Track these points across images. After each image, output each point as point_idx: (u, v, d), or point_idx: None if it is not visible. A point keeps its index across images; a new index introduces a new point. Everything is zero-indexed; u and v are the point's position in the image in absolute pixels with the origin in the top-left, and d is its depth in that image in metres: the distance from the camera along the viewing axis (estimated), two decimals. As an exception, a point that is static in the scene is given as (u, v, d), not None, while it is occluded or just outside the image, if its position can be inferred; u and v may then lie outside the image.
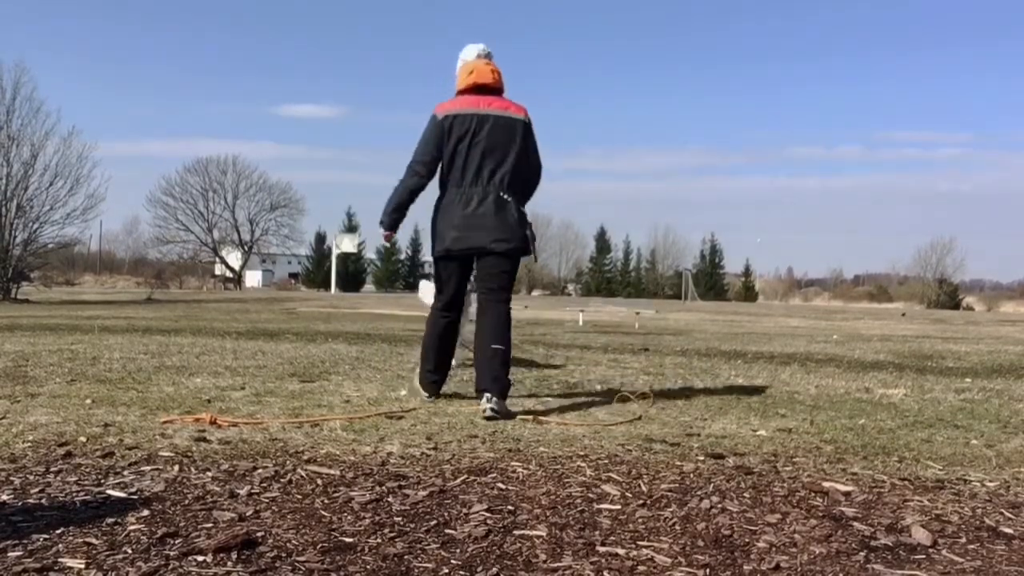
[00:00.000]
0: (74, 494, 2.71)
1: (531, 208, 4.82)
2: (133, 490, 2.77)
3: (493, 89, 4.68)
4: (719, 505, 2.76)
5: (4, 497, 2.66)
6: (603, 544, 2.36)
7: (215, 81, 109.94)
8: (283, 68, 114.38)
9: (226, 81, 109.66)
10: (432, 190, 4.68)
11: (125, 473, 2.98)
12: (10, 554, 2.15)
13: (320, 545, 2.28)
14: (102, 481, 2.87)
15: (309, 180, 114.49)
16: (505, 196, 4.58)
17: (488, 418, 4.25)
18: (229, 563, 2.13)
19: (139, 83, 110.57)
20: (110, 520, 2.43)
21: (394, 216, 4.73)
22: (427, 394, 4.88)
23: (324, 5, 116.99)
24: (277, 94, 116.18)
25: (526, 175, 4.70)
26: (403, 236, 73.02)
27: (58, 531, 2.33)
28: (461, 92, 4.69)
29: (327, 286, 60.41)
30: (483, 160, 4.54)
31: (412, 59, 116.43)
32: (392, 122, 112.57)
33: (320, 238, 69.93)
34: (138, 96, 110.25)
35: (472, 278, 4.92)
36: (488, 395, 4.36)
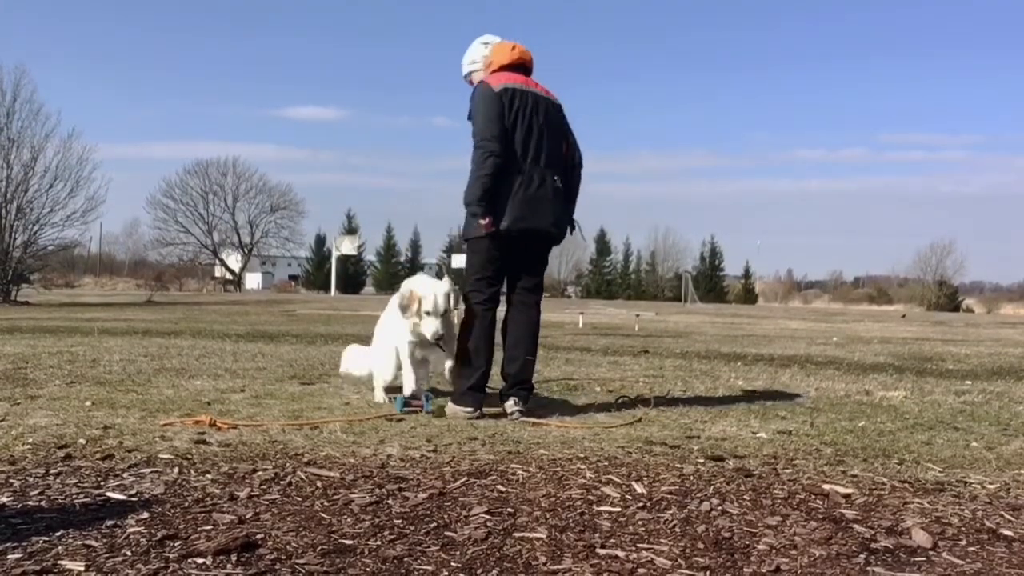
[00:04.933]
0: (74, 496, 2.71)
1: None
2: (133, 492, 2.77)
3: (530, 71, 4.61)
4: (719, 507, 2.76)
5: (4, 499, 2.66)
6: (603, 546, 2.36)
7: (218, 84, 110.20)
8: (286, 70, 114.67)
9: (229, 84, 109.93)
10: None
11: (125, 475, 2.98)
12: (10, 556, 2.15)
13: (320, 547, 2.28)
14: (102, 483, 2.87)
15: (311, 182, 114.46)
16: (559, 182, 4.50)
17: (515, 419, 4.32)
18: (229, 565, 2.13)
19: (142, 86, 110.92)
20: (110, 522, 2.43)
21: (484, 204, 4.36)
22: (471, 409, 4.37)
23: (327, 8, 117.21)
24: (280, 97, 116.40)
25: (572, 162, 4.66)
26: (402, 238, 73.32)
27: (58, 533, 2.33)
28: (503, 68, 4.50)
29: (327, 288, 60.43)
30: (540, 141, 4.40)
31: (414, 62, 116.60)
32: (394, 125, 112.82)
33: (320, 240, 70.03)
34: (141, 99, 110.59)
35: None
36: (515, 400, 4.44)
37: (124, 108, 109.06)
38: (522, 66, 4.54)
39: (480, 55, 4.68)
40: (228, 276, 65.43)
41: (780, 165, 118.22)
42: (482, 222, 4.41)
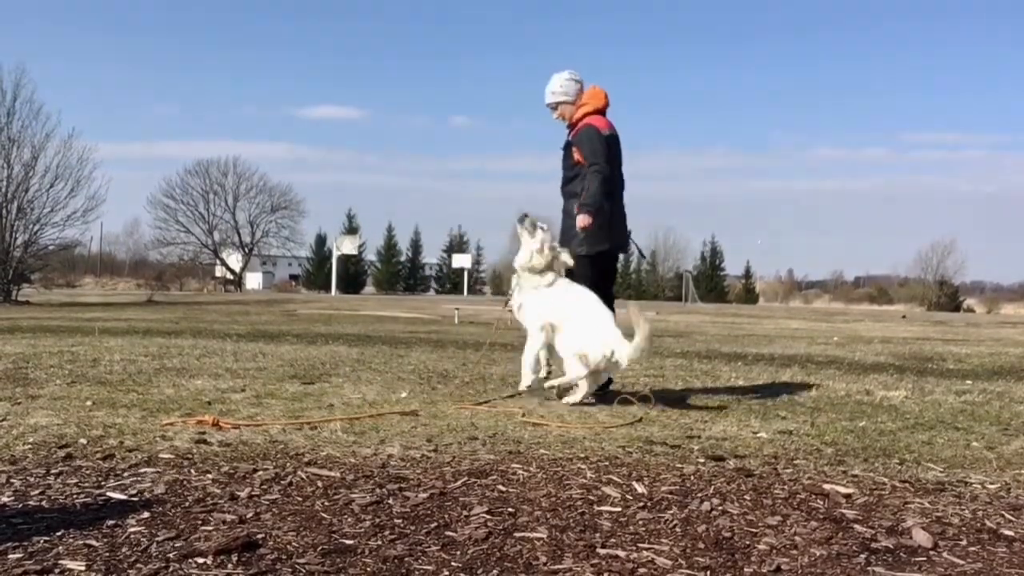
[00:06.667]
0: (74, 496, 2.71)
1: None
2: (133, 492, 2.77)
3: None
4: (720, 507, 2.76)
5: (5, 499, 2.66)
6: (603, 546, 2.36)
7: (235, 82, 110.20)
8: (295, 70, 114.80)
9: (238, 83, 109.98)
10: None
11: (125, 475, 2.98)
12: (11, 556, 2.15)
13: (320, 547, 2.28)
14: (102, 483, 2.87)
15: (321, 182, 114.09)
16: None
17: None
18: (229, 565, 2.13)
19: (157, 84, 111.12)
20: (110, 522, 2.43)
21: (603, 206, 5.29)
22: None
23: (344, 10, 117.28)
24: (283, 96, 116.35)
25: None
26: (403, 237, 73.47)
27: (58, 533, 2.33)
28: (598, 111, 5.40)
29: (327, 288, 60.38)
30: (622, 177, 5.50)
31: (419, 63, 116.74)
32: (410, 125, 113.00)
33: (321, 240, 69.97)
34: (158, 96, 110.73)
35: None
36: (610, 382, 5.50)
37: (139, 105, 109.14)
38: (607, 109, 5.46)
39: (573, 90, 5.46)
40: (229, 276, 65.35)
41: (781, 166, 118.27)
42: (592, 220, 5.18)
